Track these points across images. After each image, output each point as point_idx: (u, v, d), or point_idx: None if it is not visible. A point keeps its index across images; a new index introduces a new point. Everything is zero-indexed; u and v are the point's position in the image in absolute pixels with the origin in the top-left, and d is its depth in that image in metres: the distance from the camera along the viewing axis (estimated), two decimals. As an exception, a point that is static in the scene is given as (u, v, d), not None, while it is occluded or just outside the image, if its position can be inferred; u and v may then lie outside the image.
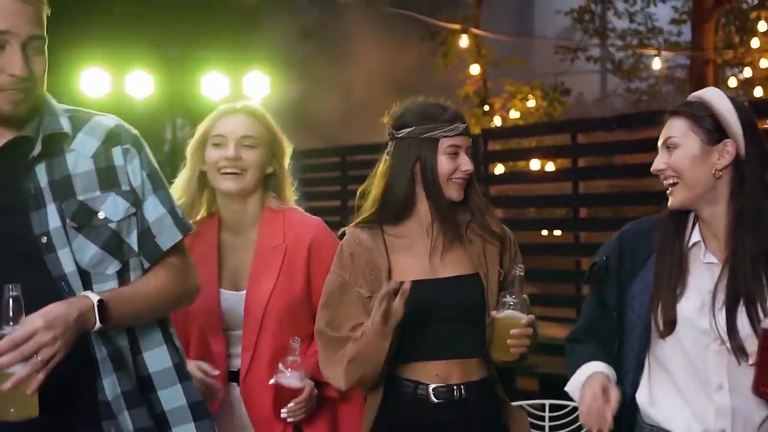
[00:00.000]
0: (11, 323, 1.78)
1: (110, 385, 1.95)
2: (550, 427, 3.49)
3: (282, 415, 2.46)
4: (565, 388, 2.32)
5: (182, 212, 2.10)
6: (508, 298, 2.32)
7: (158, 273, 2.05)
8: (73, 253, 1.94)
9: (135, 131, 2.08)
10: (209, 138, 2.57)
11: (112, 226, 1.97)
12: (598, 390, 2.11)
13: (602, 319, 2.27)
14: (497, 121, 10.65)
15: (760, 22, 10.30)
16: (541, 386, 5.99)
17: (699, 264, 2.13)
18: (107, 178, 1.99)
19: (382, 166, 2.44)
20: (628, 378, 2.20)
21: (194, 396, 2.09)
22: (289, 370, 2.46)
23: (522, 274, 2.33)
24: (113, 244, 1.98)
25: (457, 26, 10.47)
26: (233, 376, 2.56)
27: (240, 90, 9.51)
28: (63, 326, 1.81)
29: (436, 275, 2.40)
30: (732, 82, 10.99)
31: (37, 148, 1.94)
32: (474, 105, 10.59)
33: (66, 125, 2.00)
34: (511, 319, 2.30)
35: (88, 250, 1.95)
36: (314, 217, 2.68)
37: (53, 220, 1.93)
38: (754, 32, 10.43)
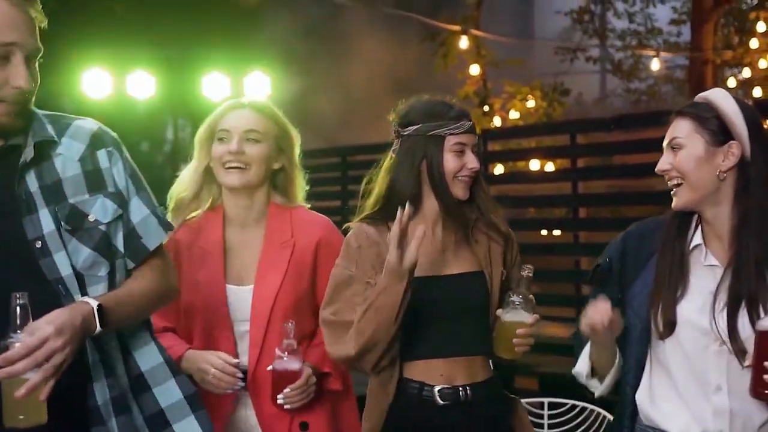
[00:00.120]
0: (18, 331, 1.79)
1: (100, 390, 1.96)
2: (549, 424, 3.50)
3: (278, 401, 2.44)
4: (573, 371, 2.33)
5: (163, 212, 2.13)
6: (515, 297, 2.32)
7: (145, 273, 2.08)
8: (69, 257, 1.96)
9: (114, 134, 2.10)
10: (215, 132, 2.56)
11: (102, 228, 2.00)
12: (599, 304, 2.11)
13: None
14: (497, 121, 10.67)
15: (759, 22, 10.30)
16: (540, 385, 6.01)
17: (700, 266, 2.12)
18: (94, 180, 2.01)
19: (386, 163, 2.43)
20: (628, 378, 2.20)
21: (189, 388, 2.11)
22: (286, 353, 2.42)
23: (530, 275, 2.33)
24: (104, 246, 2.00)
25: (456, 27, 10.50)
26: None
27: (241, 90, 9.53)
28: (71, 332, 1.83)
29: (442, 272, 2.40)
30: (731, 83, 10.99)
31: (30, 154, 1.95)
32: (474, 105, 10.60)
33: (51, 131, 2.01)
34: (518, 318, 2.31)
35: (82, 253, 1.97)
36: (321, 215, 2.67)
37: (47, 225, 1.94)
38: (753, 33, 10.44)
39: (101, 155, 2.04)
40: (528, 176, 8.07)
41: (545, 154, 8.49)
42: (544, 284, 7.11)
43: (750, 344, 2.00)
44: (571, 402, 3.53)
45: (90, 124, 2.08)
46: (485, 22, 11.01)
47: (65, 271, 1.95)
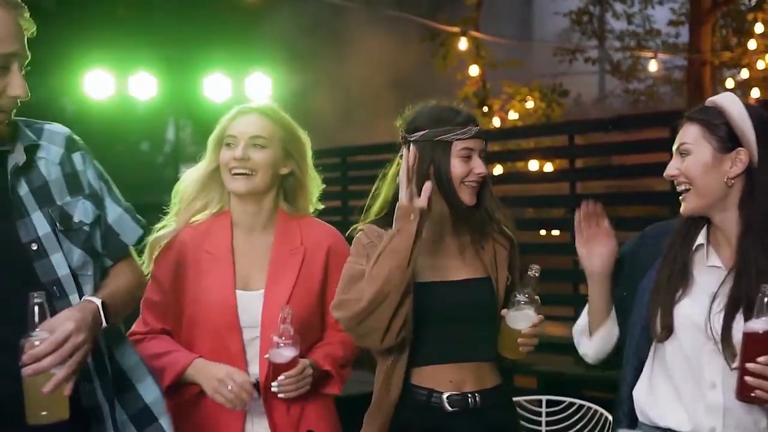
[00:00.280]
0: (37, 329, 1.83)
1: (98, 390, 2.01)
2: (547, 422, 3.53)
3: (272, 389, 2.39)
4: (573, 328, 2.38)
5: (131, 208, 2.19)
6: (520, 297, 2.33)
7: (125, 270, 2.14)
8: (65, 257, 2.00)
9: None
10: (224, 137, 2.55)
11: (87, 228, 2.05)
12: None
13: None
14: (496, 122, 10.69)
15: (757, 24, 10.30)
16: (538, 383, 6.05)
17: (703, 266, 2.13)
18: (73, 183, 2.06)
19: (393, 170, 2.43)
20: (627, 375, 2.22)
21: (159, 387, 2.16)
22: (283, 338, 2.37)
23: (537, 275, 2.33)
24: (89, 246, 2.05)
25: (456, 29, 10.53)
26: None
27: (242, 91, 9.57)
28: (87, 329, 1.89)
29: (450, 277, 2.39)
30: (729, 84, 11.00)
31: (21, 159, 1.99)
32: (473, 106, 10.63)
33: (32, 135, 2.05)
34: (523, 318, 2.32)
35: (75, 253, 2.02)
36: (327, 224, 2.66)
37: (42, 227, 1.98)
38: (751, 34, 10.42)
39: (76, 158, 2.09)
40: (527, 176, 8.08)
41: (544, 154, 8.51)
42: (542, 284, 7.12)
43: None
44: (569, 399, 3.57)
45: (62, 129, 2.12)
46: (485, 23, 11.03)
47: (62, 271, 1.99)
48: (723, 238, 2.13)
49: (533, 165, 8.57)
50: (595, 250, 2.27)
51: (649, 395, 2.17)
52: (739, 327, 2.02)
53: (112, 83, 8.93)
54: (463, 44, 10.50)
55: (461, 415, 2.34)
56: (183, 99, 9.99)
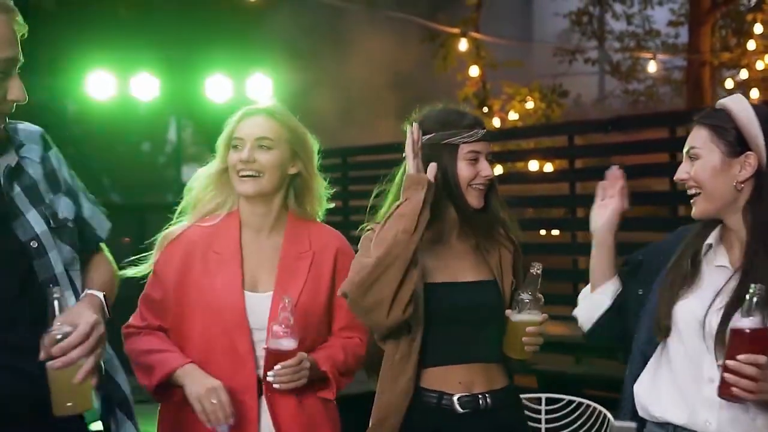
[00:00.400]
0: (57, 323, 1.87)
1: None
2: (546, 419, 3.55)
3: (268, 379, 2.36)
4: (580, 294, 2.41)
5: (98, 202, 2.22)
6: (525, 296, 2.32)
7: (104, 263, 2.19)
8: (60, 254, 2.03)
9: None
10: (231, 139, 2.54)
11: (71, 225, 2.08)
12: None
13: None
14: (496, 122, 10.72)
15: (756, 24, 10.33)
16: (539, 383, 6.07)
17: (712, 266, 2.14)
18: (53, 181, 2.09)
19: (400, 174, 2.40)
20: (632, 370, 2.24)
21: (128, 386, 2.17)
22: (282, 327, 2.34)
23: (539, 272, 2.33)
24: (74, 242, 2.09)
25: (456, 30, 10.56)
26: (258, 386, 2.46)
27: (243, 92, 9.60)
28: (103, 322, 1.93)
29: (458, 279, 2.39)
30: (729, 84, 11.03)
31: (13, 160, 2.02)
32: (473, 107, 10.67)
33: (14, 135, 2.07)
34: (527, 318, 2.31)
35: (65, 250, 2.05)
36: (334, 229, 2.65)
37: (38, 225, 2.00)
38: (750, 34, 10.45)
39: (53, 156, 2.11)
40: (527, 177, 8.11)
41: (544, 154, 8.55)
42: (543, 283, 7.15)
43: None
44: (568, 398, 3.60)
45: (35, 127, 2.13)
46: (485, 24, 11.06)
47: (59, 268, 2.02)
48: (735, 239, 2.13)
49: (533, 165, 8.61)
50: (604, 210, 2.33)
51: (651, 390, 2.18)
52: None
53: (113, 84, 8.96)
54: (463, 45, 10.54)
55: (472, 417, 2.34)
56: (184, 100, 10.00)
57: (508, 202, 2.52)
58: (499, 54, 11.01)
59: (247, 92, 9.59)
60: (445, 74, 10.76)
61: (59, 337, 1.85)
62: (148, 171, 12.57)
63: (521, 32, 14.95)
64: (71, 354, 1.85)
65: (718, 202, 2.11)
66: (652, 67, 11.50)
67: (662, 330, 2.15)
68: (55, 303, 1.89)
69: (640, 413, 2.20)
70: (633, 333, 2.27)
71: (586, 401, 3.56)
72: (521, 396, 3.32)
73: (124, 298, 2.37)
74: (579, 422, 3.53)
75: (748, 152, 2.08)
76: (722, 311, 2.05)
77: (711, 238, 2.16)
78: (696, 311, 2.10)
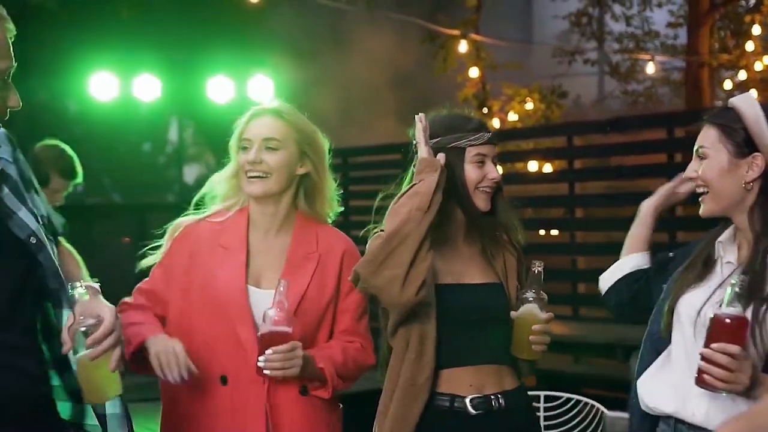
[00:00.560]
0: (81, 317, 1.95)
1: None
2: (545, 417, 3.60)
3: (258, 364, 2.32)
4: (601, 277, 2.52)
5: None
6: (528, 294, 2.34)
7: (72, 255, 2.24)
8: (52, 248, 2.08)
9: None
10: (240, 141, 2.55)
11: (44, 221, 2.11)
12: None
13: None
14: (496, 123, 10.72)
15: (754, 25, 10.34)
16: (538, 382, 6.11)
17: (720, 262, 2.16)
18: (26, 179, 2.12)
19: (407, 180, 2.40)
20: (641, 365, 2.24)
21: None
22: (277, 310, 2.31)
23: (541, 269, 2.34)
24: (53, 238, 2.13)
25: (456, 31, 10.59)
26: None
27: (245, 93, 9.63)
28: None
29: (466, 281, 2.41)
30: (727, 85, 11.06)
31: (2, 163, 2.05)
32: (473, 107, 10.70)
33: None
34: (532, 316, 2.32)
35: (51, 244, 2.09)
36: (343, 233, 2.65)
37: (31, 221, 2.02)
38: (748, 36, 10.45)
39: (19, 155, 2.14)
40: (526, 177, 8.14)
41: (543, 155, 8.58)
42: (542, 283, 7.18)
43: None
44: (566, 395, 3.64)
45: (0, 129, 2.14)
46: (484, 25, 11.08)
47: (56, 260, 2.06)
48: (743, 238, 2.15)
49: (532, 166, 8.64)
50: (661, 190, 2.48)
51: (652, 382, 2.20)
52: None
53: (116, 85, 9.00)
54: (463, 46, 10.57)
55: (485, 418, 2.34)
56: (186, 100, 10.04)
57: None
58: (499, 55, 11.03)
59: (249, 93, 9.63)
60: (445, 75, 10.77)
61: (83, 329, 1.92)
62: (149, 171, 12.58)
63: (521, 34, 14.97)
64: (104, 344, 1.92)
65: (724, 201, 2.13)
66: (650, 69, 11.52)
67: (665, 323, 2.17)
68: (77, 297, 1.96)
69: (641, 405, 2.22)
70: (647, 322, 2.29)
71: (584, 399, 3.60)
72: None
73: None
74: (577, 419, 3.57)
75: (756, 153, 2.09)
76: (718, 305, 2.06)
77: (723, 236, 2.18)
78: (695, 304, 2.12)
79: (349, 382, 2.56)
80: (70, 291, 1.99)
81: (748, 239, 2.13)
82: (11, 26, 1.98)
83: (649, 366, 2.23)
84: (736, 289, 1.97)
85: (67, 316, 2.02)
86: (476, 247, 2.46)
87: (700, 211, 2.19)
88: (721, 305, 1.99)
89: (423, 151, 2.32)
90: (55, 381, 2.08)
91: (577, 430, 3.57)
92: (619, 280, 2.48)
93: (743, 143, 2.10)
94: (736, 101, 2.15)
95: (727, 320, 1.96)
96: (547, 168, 8.71)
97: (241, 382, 2.45)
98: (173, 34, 9.82)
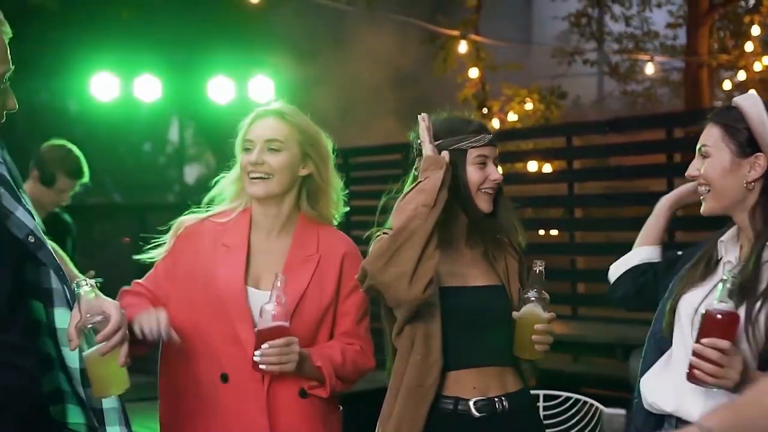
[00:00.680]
0: (87, 314, 1.99)
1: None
2: (544, 416, 3.60)
3: (254, 359, 2.32)
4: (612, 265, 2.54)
5: None
6: (530, 294, 2.35)
7: (59, 251, 2.27)
8: (50, 246, 2.09)
9: None
10: (243, 142, 2.56)
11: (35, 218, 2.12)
12: None
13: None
14: (495, 123, 10.74)
15: (753, 26, 10.35)
16: (537, 381, 6.12)
17: (723, 262, 2.17)
18: (15, 178, 2.13)
19: (409, 184, 2.41)
20: (645, 365, 2.26)
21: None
22: (273, 304, 2.31)
23: (542, 269, 2.35)
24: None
25: (456, 32, 10.60)
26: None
27: (245, 93, 9.65)
28: None
29: (469, 283, 2.42)
30: (727, 86, 11.06)
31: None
32: (473, 108, 10.71)
33: None
34: (535, 316, 2.33)
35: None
36: (345, 235, 2.66)
37: (28, 220, 2.03)
38: (747, 36, 10.46)
39: (6, 155, 2.14)
40: (526, 177, 8.15)
41: (542, 155, 8.59)
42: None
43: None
44: (565, 394, 3.65)
45: None
46: (484, 26, 11.09)
47: (56, 258, 2.07)
48: (745, 238, 2.16)
49: (532, 166, 8.65)
50: (681, 186, 2.50)
51: (654, 381, 2.21)
52: None
53: (117, 85, 9.02)
54: (462, 47, 10.58)
55: (489, 421, 2.35)
56: (187, 101, 10.07)
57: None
58: (499, 56, 11.04)
59: (249, 93, 9.65)
60: (445, 75, 10.79)
61: (90, 326, 1.96)
62: (149, 171, 12.59)
63: (521, 34, 14.97)
64: (113, 339, 1.96)
65: (726, 200, 2.14)
66: (649, 69, 11.53)
67: (666, 323, 2.18)
68: (82, 295, 1.99)
69: (644, 404, 2.22)
70: (646, 321, 2.32)
71: (583, 398, 3.62)
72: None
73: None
74: (576, 418, 3.59)
75: (759, 153, 2.10)
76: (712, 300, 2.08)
77: (726, 236, 2.20)
78: (695, 303, 2.13)
79: (349, 384, 2.56)
80: (75, 289, 2.00)
81: (749, 238, 2.13)
82: (8, 29, 1.99)
83: (652, 365, 2.24)
84: (728, 285, 1.98)
85: (59, 315, 2.05)
86: (478, 249, 2.47)
87: (701, 209, 2.20)
88: (714, 301, 2.01)
89: (428, 149, 2.33)
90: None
91: (576, 428, 3.58)
92: (626, 271, 2.50)
93: (746, 143, 2.11)
94: (740, 101, 2.15)
95: (718, 316, 1.97)
96: (547, 168, 8.72)
97: (241, 382, 2.45)
98: (174, 34, 9.83)
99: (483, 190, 2.41)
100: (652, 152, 6.94)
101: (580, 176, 7.48)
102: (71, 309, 2.03)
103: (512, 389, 2.40)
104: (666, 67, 12.79)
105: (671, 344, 2.21)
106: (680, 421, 2.13)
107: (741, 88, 10.50)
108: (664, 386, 2.18)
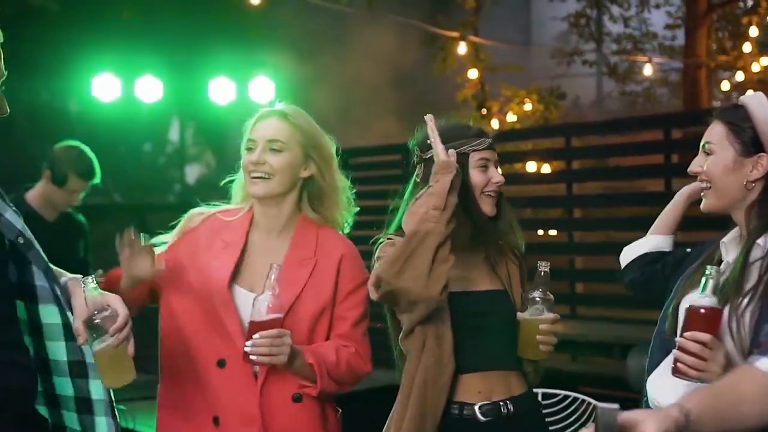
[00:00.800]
0: (95, 310, 2.04)
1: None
2: (543, 414, 3.66)
3: (245, 350, 2.32)
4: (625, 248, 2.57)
5: None
6: (535, 294, 2.36)
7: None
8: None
9: None
10: (246, 142, 2.57)
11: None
12: None
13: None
14: (495, 124, 10.77)
15: (751, 27, 10.39)
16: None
17: (724, 262, 2.17)
18: None
19: (411, 191, 2.44)
20: (651, 361, 2.26)
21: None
22: (267, 294, 2.31)
23: (547, 269, 2.37)
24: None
25: (455, 33, 10.63)
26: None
27: (246, 94, 9.67)
28: None
29: (473, 288, 2.44)
30: (725, 86, 11.09)
31: None
32: (472, 108, 10.73)
33: None
34: (539, 316, 2.35)
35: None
36: (346, 238, 2.65)
37: (17, 222, 2.04)
38: (746, 37, 10.49)
39: None
40: (525, 178, 8.17)
41: (542, 156, 8.61)
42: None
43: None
44: (564, 393, 3.68)
45: None
46: (484, 27, 11.13)
47: (44, 258, 2.09)
48: (745, 237, 2.15)
49: (531, 166, 8.67)
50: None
51: (659, 379, 2.21)
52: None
53: (118, 86, 9.05)
54: (462, 48, 10.61)
55: (494, 425, 2.36)
56: (187, 101, 10.09)
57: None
58: (498, 57, 11.07)
59: (250, 94, 9.67)
60: (444, 75, 10.82)
61: (97, 321, 2.01)
62: (150, 171, 12.61)
63: (520, 35, 14.99)
64: (123, 332, 2.02)
65: (726, 199, 2.14)
66: (648, 70, 11.56)
67: (670, 323, 2.18)
68: (86, 290, 2.04)
69: (650, 403, 2.22)
70: (647, 319, 2.32)
71: (581, 396, 3.64)
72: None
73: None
74: (574, 417, 3.61)
75: (762, 153, 2.10)
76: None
77: (727, 237, 2.19)
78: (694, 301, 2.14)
79: (343, 386, 2.55)
80: (81, 286, 2.04)
81: (745, 237, 2.14)
82: None
83: (658, 363, 2.24)
84: (711, 280, 2.00)
85: (45, 311, 2.07)
86: (480, 254, 2.48)
87: (701, 206, 2.21)
88: (696, 296, 2.03)
89: (439, 151, 2.33)
90: None
91: (575, 427, 3.61)
92: (636, 258, 2.52)
93: (750, 142, 2.10)
94: (747, 100, 2.15)
95: (701, 310, 1.99)
96: (546, 168, 8.74)
97: (235, 367, 2.45)
98: (175, 35, 9.84)
99: (486, 193, 2.43)
100: (651, 152, 6.96)
101: (579, 176, 7.50)
102: (60, 306, 2.07)
103: (517, 392, 2.42)
104: (664, 68, 12.82)
105: (675, 345, 2.19)
106: None
107: (739, 88, 10.53)
108: (666, 384, 2.18)
